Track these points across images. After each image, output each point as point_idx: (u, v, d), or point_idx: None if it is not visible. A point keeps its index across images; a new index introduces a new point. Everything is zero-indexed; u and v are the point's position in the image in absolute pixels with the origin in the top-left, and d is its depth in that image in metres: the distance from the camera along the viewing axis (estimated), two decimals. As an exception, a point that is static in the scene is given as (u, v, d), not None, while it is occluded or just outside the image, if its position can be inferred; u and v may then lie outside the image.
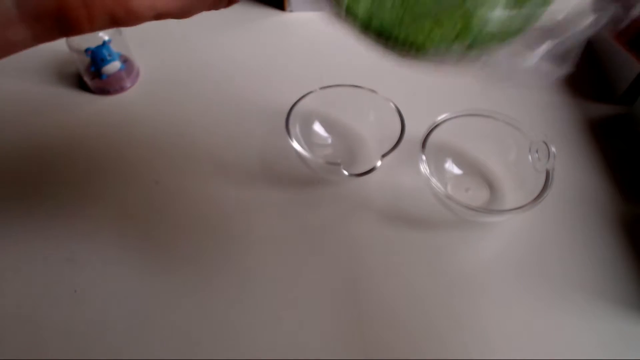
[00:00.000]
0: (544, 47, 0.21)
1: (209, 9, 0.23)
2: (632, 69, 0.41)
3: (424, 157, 0.35)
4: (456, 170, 0.38)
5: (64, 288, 0.32)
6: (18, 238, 0.34)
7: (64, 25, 0.20)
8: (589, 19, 0.21)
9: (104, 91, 0.44)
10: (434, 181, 0.34)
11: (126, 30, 0.43)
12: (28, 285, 0.33)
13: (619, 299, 0.33)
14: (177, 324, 0.31)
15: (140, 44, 0.46)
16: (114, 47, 0.43)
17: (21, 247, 0.34)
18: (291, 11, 0.51)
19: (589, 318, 0.32)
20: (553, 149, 0.33)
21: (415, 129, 0.36)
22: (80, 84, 0.45)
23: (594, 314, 0.32)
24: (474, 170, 0.38)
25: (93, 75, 0.43)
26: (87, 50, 0.42)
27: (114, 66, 0.43)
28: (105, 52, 0.42)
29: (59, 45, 0.42)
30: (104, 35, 0.42)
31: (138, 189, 0.37)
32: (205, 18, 0.51)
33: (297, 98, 0.38)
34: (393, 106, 0.38)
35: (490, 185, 0.37)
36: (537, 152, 0.35)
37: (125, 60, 0.44)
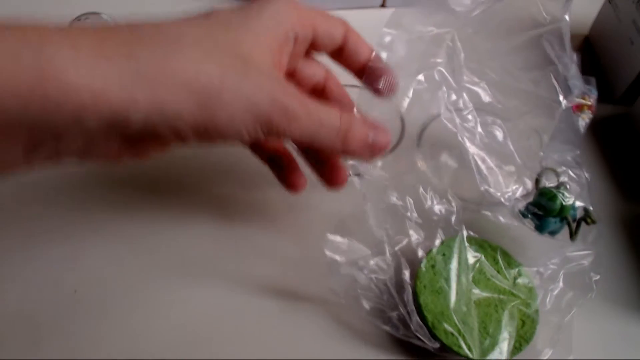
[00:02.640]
0: None
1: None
2: (632, 69, 0.41)
3: (420, 154, 0.35)
4: (452, 164, 0.38)
5: (64, 288, 0.32)
6: (17, 238, 0.34)
7: None
8: None
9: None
10: (431, 176, 0.34)
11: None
12: (28, 285, 0.33)
13: (619, 299, 0.33)
14: (178, 324, 0.31)
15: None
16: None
17: (21, 246, 0.34)
18: (291, 11, 0.51)
19: (588, 318, 0.32)
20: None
21: (416, 127, 0.37)
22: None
23: (594, 313, 0.32)
24: (469, 164, 0.38)
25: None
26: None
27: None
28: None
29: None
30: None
31: (138, 189, 0.37)
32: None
33: (297, 98, 0.38)
34: (393, 106, 0.37)
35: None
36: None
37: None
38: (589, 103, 0.32)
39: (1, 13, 0.45)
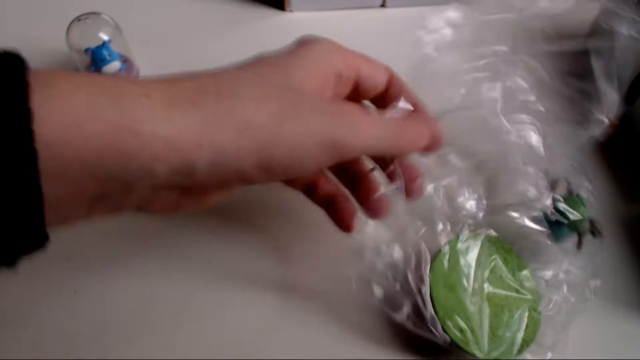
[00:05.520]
0: None
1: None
2: (632, 69, 0.41)
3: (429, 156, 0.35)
4: (455, 162, 0.38)
5: (64, 288, 0.32)
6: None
7: None
8: None
9: (104, 91, 0.44)
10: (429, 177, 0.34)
11: (126, 30, 0.43)
12: (28, 285, 0.33)
13: (619, 299, 0.33)
14: (178, 324, 0.31)
15: (140, 44, 0.46)
16: (114, 47, 0.43)
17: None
18: (291, 11, 0.51)
19: (588, 318, 0.32)
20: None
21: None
22: (80, 84, 0.45)
23: (594, 313, 0.32)
24: (471, 163, 0.38)
25: (93, 75, 0.43)
26: (87, 50, 0.42)
27: (113, 66, 0.43)
28: (105, 52, 0.42)
29: (59, 45, 0.42)
30: (104, 35, 0.42)
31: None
32: (205, 18, 0.51)
33: (297, 98, 0.38)
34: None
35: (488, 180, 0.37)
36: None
37: (125, 61, 0.44)
38: (616, 123, 0.32)
39: (2, 12, 0.46)
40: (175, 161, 0.21)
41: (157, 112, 0.21)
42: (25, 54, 0.19)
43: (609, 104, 0.31)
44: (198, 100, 0.22)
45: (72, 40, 0.42)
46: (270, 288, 0.33)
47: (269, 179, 0.24)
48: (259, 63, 0.25)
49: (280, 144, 0.23)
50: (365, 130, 0.25)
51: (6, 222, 0.18)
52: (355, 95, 0.29)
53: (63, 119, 0.19)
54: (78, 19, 0.42)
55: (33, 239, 0.20)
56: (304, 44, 0.27)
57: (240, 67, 0.25)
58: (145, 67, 0.46)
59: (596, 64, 0.31)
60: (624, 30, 0.30)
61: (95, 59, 0.42)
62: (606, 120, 0.31)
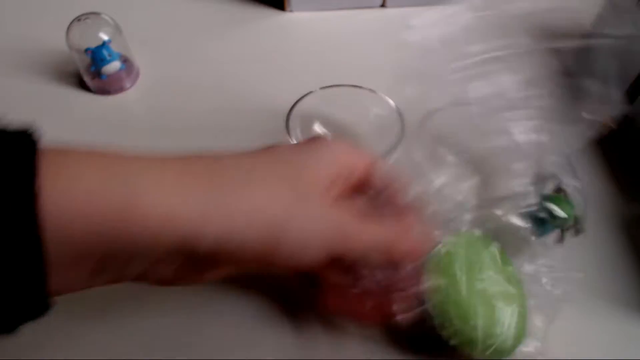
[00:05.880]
0: None
1: None
2: (632, 69, 0.41)
3: (420, 147, 0.35)
4: (453, 159, 0.38)
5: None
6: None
7: None
8: None
9: (104, 91, 0.44)
10: (428, 174, 0.35)
11: (126, 31, 0.43)
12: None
13: (619, 299, 0.33)
14: (176, 325, 0.32)
15: (140, 44, 0.46)
16: (114, 47, 0.43)
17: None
18: (291, 11, 0.51)
19: (589, 318, 0.32)
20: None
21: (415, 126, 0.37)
22: (80, 84, 0.45)
23: (594, 314, 0.32)
24: (467, 158, 0.38)
25: (93, 75, 0.43)
26: (87, 50, 0.42)
27: (113, 66, 0.43)
28: (105, 52, 0.42)
29: (59, 45, 0.42)
30: (104, 35, 0.42)
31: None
32: (205, 18, 0.51)
33: (297, 98, 0.38)
34: (393, 106, 0.38)
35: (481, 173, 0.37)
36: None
37: (125, 61, 0.44)
38: (613, 124, 0.32)
39: (2, 12, 0.45)
40: (178, 240, 0.22)
41: (165, 193, 0.22)
42: (25, 54, 0.19)
43: (609, 105, 0.31)
44: (212, 184, 0.23)
45: (72, 40, 0.42)
46: (264, 292, 0.33)
47: (266, 268, 0.26)
48: (273, 157, 0.26)
49: (286, 237, 0.24)
50: (361, 241, 0.26)
51: (10, 295, 0.19)
52: (358, 189, 0.30)
53: (72, 198, 0.20)
54: (78, 19, 0.42)
55: (36, 309, 0.21)
56: (316, 143, 0.27)
57: (256, 156, 0.26)
58: (145, 67, 0.46)
59: (595, 64, 0.31)
60: (624, 30, 0.30)
61: (95, 59, 0.42)
62: (601, 121, 0.31)
